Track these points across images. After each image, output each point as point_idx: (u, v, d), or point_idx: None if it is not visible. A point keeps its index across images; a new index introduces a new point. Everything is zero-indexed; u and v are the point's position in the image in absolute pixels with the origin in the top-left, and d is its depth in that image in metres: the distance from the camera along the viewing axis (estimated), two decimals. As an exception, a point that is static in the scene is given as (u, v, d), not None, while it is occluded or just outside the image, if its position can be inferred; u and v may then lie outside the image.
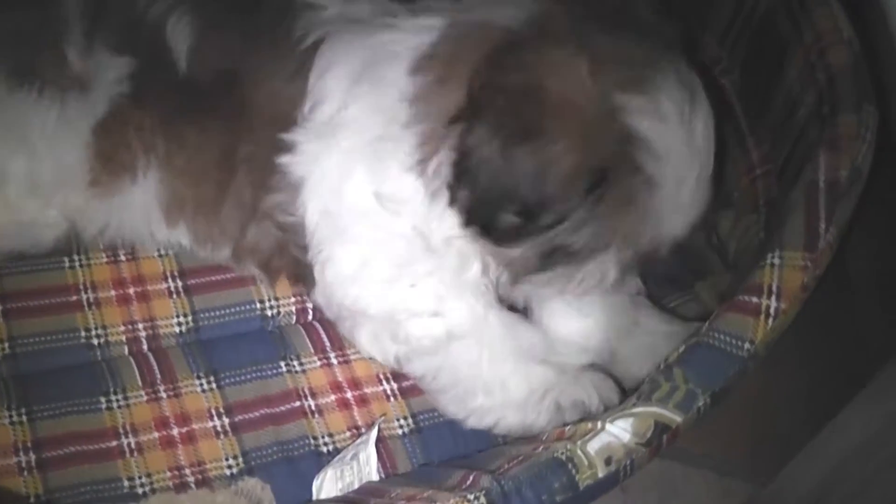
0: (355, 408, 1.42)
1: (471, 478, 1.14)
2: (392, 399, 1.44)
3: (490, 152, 1.21)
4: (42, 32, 1.42)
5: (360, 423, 1.41)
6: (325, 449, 1.38)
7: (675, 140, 1.21)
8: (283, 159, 1.37)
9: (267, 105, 1.40)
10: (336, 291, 1.40)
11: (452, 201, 1.26)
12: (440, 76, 1.28)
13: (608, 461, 1.09)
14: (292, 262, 1.46)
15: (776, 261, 1.22)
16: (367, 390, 1.44)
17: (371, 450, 1.33)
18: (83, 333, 1.42)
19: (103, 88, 1.41)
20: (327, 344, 1.48)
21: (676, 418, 1.12)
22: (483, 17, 1.30)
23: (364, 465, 1.32)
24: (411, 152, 1.28)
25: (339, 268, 1.38)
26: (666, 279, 1.50)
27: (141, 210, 1.47)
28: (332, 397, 1.43)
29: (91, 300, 1.46)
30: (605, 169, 1.19)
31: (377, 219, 1.33)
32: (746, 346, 1.17)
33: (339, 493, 1.31)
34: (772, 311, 1.19)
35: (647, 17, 1.31)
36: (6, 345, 1.39)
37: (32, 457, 1.29)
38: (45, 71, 1.41)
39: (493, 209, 1.24)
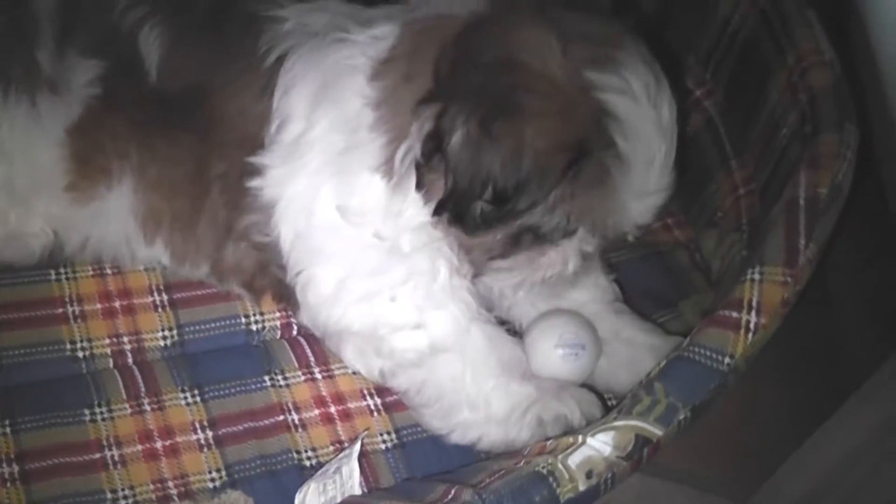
0: (339, 422, 1.42)
1: (452, 492, 1.13)
2: (376, 414, 1.44)
3: (466, 132, 1.20)
4: (9, 35, 1.43)
5: (343, 437, 1.41)
6: (308, 463, 1.38)
7: (645, 119, 1.22)
8: (253, 183, 1.38)
9: (237, 123, 1.41)
10: (319, 313, 1.41)
11: (419, 185, 1.26)
12: (404, 74, 1.28)
13: (589, 474, 1.09)
14: (275, 282, 1.46)
15: (756, 276, 1.23)
16: (351, 405, 1.44)
17: (354, 464, 1.33)
18: (68, 346, 1.42)
19: (76, 91, 1.42)
20: (311, 359, 1.48)
21: (657, 432, 1.12)
22: (441, 11, 1.31)
23: (347, 479, 1.32)
24: (378, 153, 1.28)
25: (318, 289, 1.39)
26: (650, 297, 1.50)
27: (118, 223, 1.47)
28: (316, 412, 1.43)
29: (77, 313, 1.46)
30: (582, 144, 1.20)
31: (346, 234, 1.33)
32: (727, 360, 1.18)
33: (321, 507, 1.35)
34: (751, 325, 1.20)
35: (605, 4, 1.33)
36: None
37: (16, 468, 1.29)
38: (13, 73, 1.41)
39: (468, 198, 1.23)
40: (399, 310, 1.36)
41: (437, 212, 1.27)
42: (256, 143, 1.39)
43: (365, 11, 1.42)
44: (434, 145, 1.23)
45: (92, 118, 1.44)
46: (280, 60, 1.39)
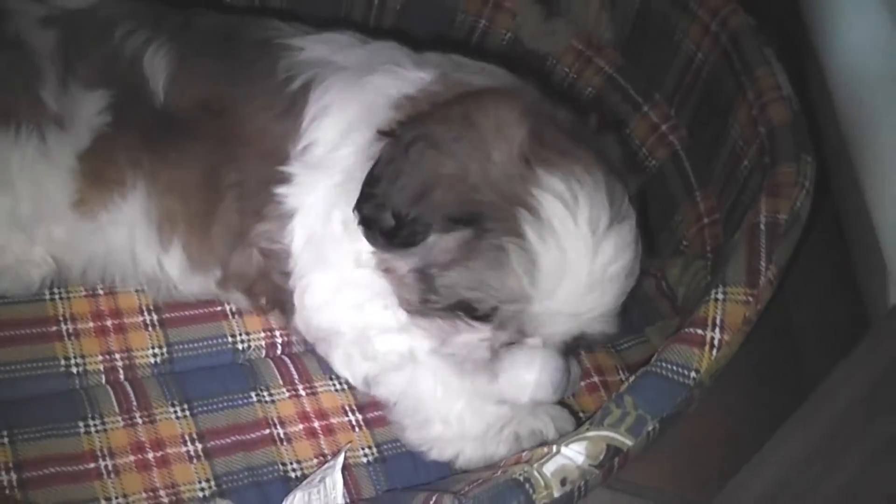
0: (322, 436, 1.44)
1: (434, 499, 1.16)
2: (357, 429, 1.47)
3: (397, 150, 1.27)
4: (13, 75, 1.45)
5: (326, 450, 1.43)
6: (293, 475, 1.41)
7: (572, 237, 1.22)
8: (279, 189, 1.41)
9: (255, 139, 1.44)
10: (313, 316, 1.43)
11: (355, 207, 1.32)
12: (408, 115, 1.35)
13: (563, 482, 1.11)
14: (273, 288, 1.48)
15: (720, 296, 1.26)
16: (334, 420, 1.47)
17: (338, 475, 1.35)
18: (62, 362, 1.44)
19: (84, 122, 1.44)
20: (296, 376, 1.50)
21: (628, 442, 1.15)
22: (464, 79, 1.40)
23: (331, 490, 1.34)
24: None
25: (315, 294, 1.42)
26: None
27: (128, 231, 1.48)
28: (300, 426, 1.45)
29: (70, 331, 1.48)
30: (480, 216, 1.24)
31: (347, 247, 1.36)
32: (692, 374, 1.20)
33: (306, 517, 1.38)
34: (715, 342, 1.22)
35: (613, 148, 1.36)
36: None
37: (14, 476, 1.31)
38: (21, 112, 1.43)
39: (375, 205, 1.28)
40: (390, 314, 1.37)
41: (355, 207, 1.30)
42: (279, 157, 1.42)
43: (419, 54, 1.48)
44: (371, 172, 1.30)
45: (102, 142, 1.46)
46: (306, 87, 1.43)
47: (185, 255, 1.49)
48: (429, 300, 1.31)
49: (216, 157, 1.46)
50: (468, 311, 1.29)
